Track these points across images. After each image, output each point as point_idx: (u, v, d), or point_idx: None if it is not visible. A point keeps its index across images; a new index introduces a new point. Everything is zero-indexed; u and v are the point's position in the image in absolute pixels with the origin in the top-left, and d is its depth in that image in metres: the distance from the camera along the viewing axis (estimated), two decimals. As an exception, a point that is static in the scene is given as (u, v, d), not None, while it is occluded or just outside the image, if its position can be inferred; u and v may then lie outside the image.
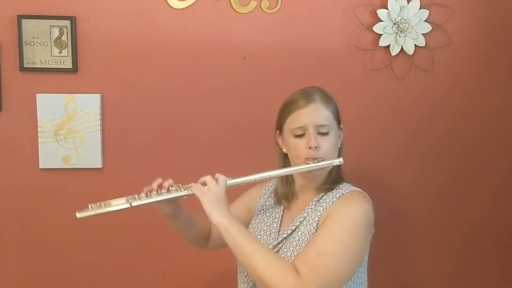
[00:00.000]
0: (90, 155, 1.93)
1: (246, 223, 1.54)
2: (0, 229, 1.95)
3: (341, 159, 1.38)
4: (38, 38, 1.87)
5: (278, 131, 1.46)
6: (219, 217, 1.27)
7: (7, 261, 1.97)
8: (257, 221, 1.52)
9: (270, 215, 1.49)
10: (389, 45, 1.94)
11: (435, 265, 2.08)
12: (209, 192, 1.31)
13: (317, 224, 1.33)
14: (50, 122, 1.91)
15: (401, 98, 1.99)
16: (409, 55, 1.94)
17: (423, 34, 1.93)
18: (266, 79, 1.95)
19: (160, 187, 1.38)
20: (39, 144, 1.91)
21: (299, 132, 1.36)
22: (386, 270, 2.05)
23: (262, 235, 1.45)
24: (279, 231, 1.43)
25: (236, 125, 1.97)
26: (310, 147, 1.33)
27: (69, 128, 1.92)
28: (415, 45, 1.93)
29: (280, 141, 1.46)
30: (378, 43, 1.93)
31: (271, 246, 1.40)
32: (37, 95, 1.89)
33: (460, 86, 2.00)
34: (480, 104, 2.01)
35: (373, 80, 1.98)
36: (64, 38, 1.88)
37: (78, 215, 1.36)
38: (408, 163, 2.03)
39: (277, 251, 1.38)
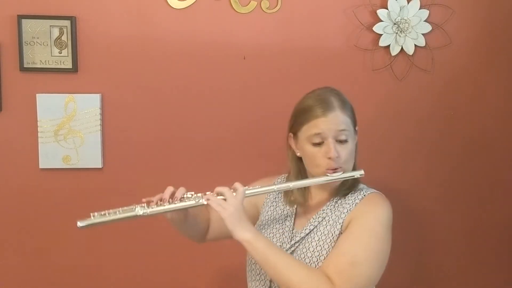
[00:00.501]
0: (90, 155, 1.93)
1: (252, 219, 1.49)
2: (0, 229, 1.95)
3: (362, 172, 1.35)
4: (38, 38, 1.87)
5: (291, 135, 1.42)
6: (243, 233, 1.25)
7: (7, 261, 1.97)
8: (266, 217, 1.49)
9: (282, 213, 1.46)
10: (389, 45, 1.94)
11: (438, 265, 2.08)
12: (229, 206, 1.26)
13: (341, 226, 1.32)
14: (50, 122, 1.91)
15: (401, 98, 1.99)
16: (409, 55, 1.94)
17: (423, 34, 1.93)
18: (266, 79, 1.95)
19: (172, 196, 1.33)
20: (39, 144, 1.91)
21: (317, 140, 1.32)
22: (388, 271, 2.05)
23: (274, 233, 1.43)
24: (293, 230, 1.41)
25: (236, 125, 1.97)
26: (329, 157, 1.30)
27: (69, 128, 1.92)
28: (415, 45, 1.93)
29: (293, 145, 1.42)
30: (378, 43, 1.93)
31: (286, 245, 1.38)
32: (37, 95, 1.89)
33: (460, 86, 2.00)
34: (480, 104, 2.01)
35: (373, 80, 1.98)
36: (64, 38, 1.88)
37: (79, 224, 1.29)
38: (408, 163, 2.03)
39: (293, 251, 1.36)
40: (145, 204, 1.31)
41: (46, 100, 1.90)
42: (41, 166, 1.93)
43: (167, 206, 1.31)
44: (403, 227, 2.06)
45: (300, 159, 1.41)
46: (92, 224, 1.28)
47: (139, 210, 1.29)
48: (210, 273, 2.04)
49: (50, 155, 1.92)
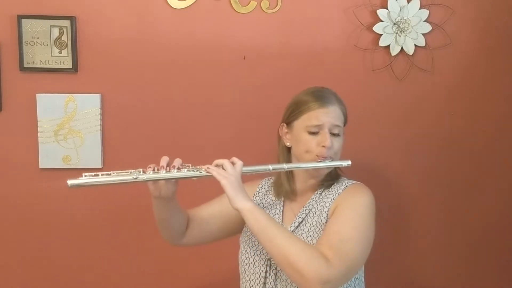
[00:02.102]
0: (90, 155, 1.93)
1: (239, 221, 1.50)
2: (0, 229, 1.95)
3: (349, 162, 1.42)
4: (38, 38, 1.87)
5: (285, 125, 1.49)
6: (243, 202, 1.28)
7: (7, 261, 1.97)
8: None
9: (270, 212, 1.51)
10: (389, 45, 1.93)
11: (438, 265, 2.08)
12: (229, 175, 1.31)
13: (327, 214, 1.39)
14: (50, 122, 1.91)
15: (401, 98, 1.99)
16: (409, 55, 1.94)
17: (423, 34, 1.93)
18: (266, 79, 1.95)
19: (169, 165, 1.34)
20: (39, 144, 1.91)
21: (315, 129, 1.40)
22: (385, 270, 2.05)
23: None
24: (281, 225, 1.45)
25: (236, 125, 1.97)
26: (323, 146, 1.39)
27: (69, 128, 1.92)
28: (415, 45, 1.93)
29: (284, 135, 1.49)
30: (378, 43, 1.93)
31: None
32: (37, 95, 1.89)
33: (460, 86, 2.00)
34: (480, 104, 2.01)
35: (373, 80, 1.98)
36: (64, 38, 1.88)
37: (69, 182, 1.25)
38: (408, 163, 2.03)
39: None
40: (141, 169, 1.30)
41: (46, 100, 1.90)
42: (41, 166, 1.92)
43: (164, 174, 1.29)
44: (402, 226, 2.06)
45: (289, 150, 1.49)
46: (82, 184, 1.24)
47: (134, 174, 1.27)
48: (202, 277, 2.04)
49: (50, 155, 1.92)
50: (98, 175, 1.25)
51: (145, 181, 1.29)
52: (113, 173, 1.27)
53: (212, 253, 1.92)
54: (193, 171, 1.31)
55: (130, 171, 1.27)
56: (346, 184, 1.45)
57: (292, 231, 1.42)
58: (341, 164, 1.42)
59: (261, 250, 1.45)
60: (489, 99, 2.01)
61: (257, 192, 1.59)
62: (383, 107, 1.99)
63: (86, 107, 1.91)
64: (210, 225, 1.54)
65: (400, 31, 1.92)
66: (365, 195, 1.40)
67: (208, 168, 1.32)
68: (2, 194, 1.94)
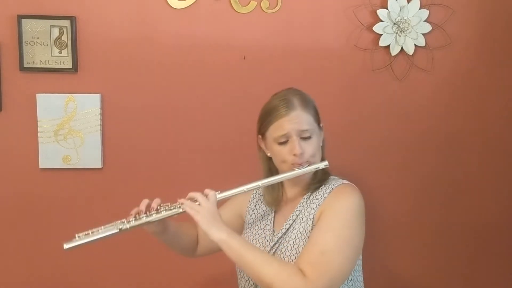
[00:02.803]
0: (90, 155, 1.93)
1: (239, 229, 1.55)
2: (0, 229, 1.95)
3: (326, 162, 1.40)
4: (38, 38, 1.87)
5: (260, 136, 1.48)
6: (217, 233, 1.28)
7: (7, 261, 1.97)
8: (249, 225, 1.53)
9: (263, 219, 1.51)
10: (389, 45, 1.93)
11: (437, 266, 2.08)
12: (202, 209, 1.31)
13: (312, 221, 1.37)
14: (50, 122, 1.91)
15: (401, 98, 1.99)
16: (409, 55, 1.94)
17: (423, 34, 1.93)
18: (266, 79, 1.95)
19: (148, 208, 1.37)
20: (39, 144, 1.91)
21: (283, 139, 1.38)
22: (380, 270, 2.05)
23: (257, 239, 1.46)
24: (273, 233, 1.45)
25: (236, 125, 1.97)
26: (294, 154, 1.36)
27: (69, 128, 1.92)
28: (415, 45, 1.93)
29: (263, 146, 1.48)
30: (378, 43, 1.93)
31: (267, 248, 1.42)
32: (37, 95, 1.89)
33: (460, 86, 2.00)
34: (481, 104, 2.01)
35: (373, 80, 1.98)
36: (64, 38, 1.88)
37: (65, 246, 1.34)
38: (408, 162, 2.03)
39: (274, 252, 1.40)
40: (125, 219, 1.35)
41: (46, 100, 1.90)
42: (41, 166, 1.92)
43: (145, 219, 1.34)
44: (402, 227, 2.06)
45: (270, 159, 1.47)
46: (78, 245, 1.34)
47: (119, 225, 1.33)
48: (200, 279, 2.04)
49: (50, 155, 1.92)
50: (89, 233, 1.34)
51: (129, 230, 1.34)
52: (100, 228, 1.35)
53: (211, 256, 1.91)
54: (171, 209, 1.35)
55: (114, 223, 1.34)
56: (332, 187, 1.41)
57: (280, 237, 1.41)
58: (318, 167, 1.40)
59: None
60: (489, 99, 2.01)
61: (252, 199, 1.58)
62: (383, 107, 1.99)
63: (86, 107, 1.91)
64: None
65: (400, 31, 1.92)
66: (349, 197, 1.36)
67: (181, 204, 1.33)
68: (2, 194, 1.94)
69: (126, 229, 1.33)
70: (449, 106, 2.01)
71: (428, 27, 1.93)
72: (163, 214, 1.35)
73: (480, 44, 1.98)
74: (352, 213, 1.33)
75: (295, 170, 1.38)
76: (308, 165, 1.38)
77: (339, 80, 1.95)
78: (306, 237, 1.35)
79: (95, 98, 1.91)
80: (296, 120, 1.37)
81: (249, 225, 1.53)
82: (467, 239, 2.07)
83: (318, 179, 1.44)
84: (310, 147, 1.38)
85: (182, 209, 1.33)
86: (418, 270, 2.09)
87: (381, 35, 1.93)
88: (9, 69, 1.88)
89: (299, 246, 1.35)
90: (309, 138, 1.38)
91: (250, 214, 1.55)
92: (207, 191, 1.35)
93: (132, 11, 1.90)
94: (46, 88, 1.90)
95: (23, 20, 1.85)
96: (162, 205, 1.37)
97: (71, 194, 1.95)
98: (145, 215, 1.35)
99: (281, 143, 1.38)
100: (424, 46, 1.94)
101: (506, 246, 2.08)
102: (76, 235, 1.34)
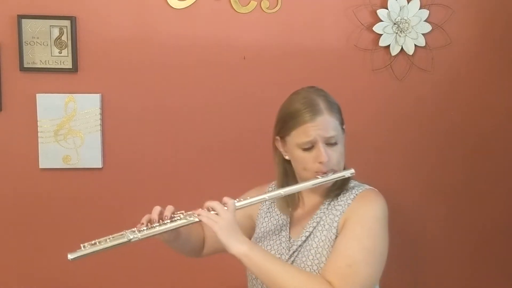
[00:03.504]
0: (90, 155, 1.93)
1: (248, 231, 1.48)
2: (0, 229, 1.95)
3: (352, 170, 1.33)
4: (38, 38, 1.87)
5: (278, 138, 1.38)
6: (238, 246, 1.21)
7: (7, 261, 1.97)
8: (262, 229, 1.45)
9: (277, 223, 1.43)
10: (389, 45, 1.94)
11: (440, 267, 2.08)
12: (221, 219, 1.23)
13: (336, 229, 1.30)
14: (50, 122, 1.91)
15: (401, 98, 1.99)
16: (409, 55, 1.94)
17: (423, 34, 1.93)
18: (266, 79, 1.95)
19: (161, 216, 1.28)
20: (39, 144, 1.91)
21: (307, 145, 1.29)
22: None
23: (272, 246, 1.40)
24: (289, 239, 1.38)
25: (236, 125, 1.97)
26: (320, 162, 1.28)
27: (69, 128, 1.92)
28: (415, 45, 1.93)
29: (281, 148, 1.38)
30: (378, 43, 1.93)
31: (285, 256, 1.35)
32: (37, 95, 1.89)
33: (460, 86, 2.00)
34: (481, 104, 2.01)
35: (373, 80, 1.97)
36: (64, 38, 1.88)
37: (69, 256, 1.24)
38: (408, 162, 2.03)
39: (293, 260, 1.34)
40: (135, 228, 1.27)
41: (46, 100, 1.90)
42: (41, 166, 1.92)
43: (158, 228, 1.26)
44: (403, 227, 2.06)
45: (287, 161, 1.39)
46: (83, 255, 1.24)
47: (129, 235, 1.24)
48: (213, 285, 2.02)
49: (50, 155, 1.92)
50: (95, 243, 1.25)
51: (140, 240, 1.25)
52: (109, 238, 1.26)
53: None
54: (186, 218, 1.27)
55: (124, 232, 1.25)
56: (356, 192, 1.34)
57: (300, 245, 1.34)
58: (343, 176, 1.32)
59: None
60: (489, 98, 2.01)
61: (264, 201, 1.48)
62: (383, 107, 1.99)
63: (86, 107, 1.91)
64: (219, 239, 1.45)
65: (400, 31, 1.92)
66: (375, 205, 1.30)
67: (199, 215, 1.25)
68: (2, 194, 1.94)
69: (137, 239, 1.24)
70: (449, 106, 2.01)
71: (428, 27, 1.93)
72: (178, 223, 1.26)
73: (480, 44, 1.98)
74: (378, 221, 1.27)
75: (318, 178, 1.30)
76: (333, 173, 1.30)
77: (339, 80, 1.95)
78: (330, 245, 1.29)
79: (95, 98, 1.91)
80: (322, 126, 1.28)
81: (262, 230, 1.45)
82: (467, 239, 2.07)
83: (339, 185, 1.36)
84: (336, 154, 1.30)
85: (199, 219, 1.25)
86: (424, 273, 2.09)
87: (381, 35, 1.93)
88: (9, 69, 1.88)
89: (322, 255, 1.29)
90: (334, 144, 1.30)
91: (263, 217, 1.47)
92: (225, 199, 1.28)
93: (132, 11, 1.90)
94: (46, 88, 1.90)
95: (23, 20, 1.85)
96: (176, 213, 1.29)
97: (71, 194, 1.95)
98: (157, 224, 1.27)
99: (305, 149, 1.29)
100: (424, 46, 1.94)
101: (507, 246, 2.08)
102: (82, 245, 1.25)
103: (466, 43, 1.97)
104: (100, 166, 1.95)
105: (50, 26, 1.87)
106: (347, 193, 1.35)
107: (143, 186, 1.97)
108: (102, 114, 1.93)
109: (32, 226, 1.96)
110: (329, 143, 1.29)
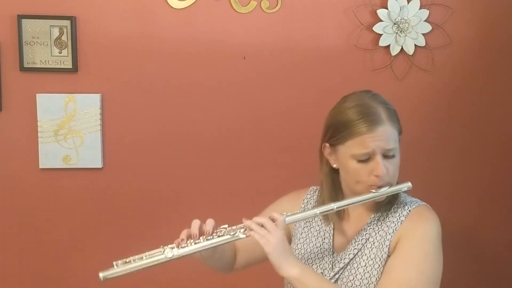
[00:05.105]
0: (90, 155, 1.93)
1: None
2: (0, 229, 1.95)
3: (409, 184, 1.25)
4: (38, 38, 1.87)
5: (327, 145, 1.28)
6: (290, 269, 1.14)
7: (7, 261, 1.97)
8: (301, 241, 1.36)
9: (318, 235, 1.34)
10: (389, 45, 1.93)
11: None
12: (272, 238, 1.14)
13: (388, 248, 1.23)
14: (50, 122, 1.91)
15: (401, 98, 1.98)
16: (409, 55, 1.94)
17: (423, 34, 1.93)
18: (266, 79, 1.95)
19: (201, 231, 1.19)
20: (39, 144, 1.91)
21: (364, 157, 1.20)
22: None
23: (314, 259, 1.32)
24: (333, 253, 1.30)
25: (236, 125, 1.97)
26: (376, 175, 1.20)
27: (69, 128, 1.92)
28: (415, 45, 1.93)
29: (330, 157, 1.29)
30: (378, 43, 1.93)
31: (329, 273, 1.27)
32: (37, 95, 1.89)
33: (460, 86, 2.00)
34: (481, 104, 2.01)
35: (373, 80, 1.97)
36: (64, 38, 1.88)
37: (101, 275, 1.14)
38: (407, 163, 2.02)
39: (338, 277, 1.26)
40: (174, 244, 1.17)
41: (46, 100, 1.90)
42: (41, 166, 1.92)
43: (200, 244, 1.16)
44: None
45: (334, 170, 1.30)
46: (116, 274, 1.14)
47: (169, 253, 1.14)
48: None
49: (50, 155, 1.92)
50: (130, 261, 1.15)
51: (180, 258, 1.15)
52: (145, 255, 1.16)
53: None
54: (230, 234, 1.17)
55: (162, 248, 1.15)
56: (409, 209, 1.25)
57: (347, 263, 1.25)
58: (400, 190, 1.24)
59: None
60: (489, 99, 2.01)
61: (302, 209, 1.40)
62: (383, 107, 1.99)
63: (86, 107, 1.91)
64: (256, 250, 1.31)
65: (400, 31, 1.92)
66: (431, 224, 1.22)
67: (250, 230, 1.16)
68: (2, 194, 1.94)
69: (177, 256, 1.14)
70: (449, 106, 2.01)
71: (428, 27, 1.93)
72: (222, 239, 1.17)
73: (480, 44, 1.98)
74: (434, 244, 1.20)
75: (373, 192, 1.21)
76: (389, 187, 1.22)
77: (339, 80, 1.95)
78: (381, 265, 1.21)
79: (95, 98, 1.91)
80: (382, 137, 1.19)
81: (301, 241, 1.36)
82: (467, 239, 2.07)
83: (390, 199, 1.27)
84: (392, 167, 1.22)
85: (248, 235, 1.16)
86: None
87: (381, 35, 1.92)
88: (9, 69, 1.88)
89: (372, 275, 1.21)
90: (392, 157, 1.22)
91: (302, 226, 1.38)
92: (275, 215, 1.18)
93: (132, 11, 1.90)
94: (46, 88, 1.90)
95: (23, 20, 1.85)
96: (218, 228, 1.20)
97: (71, 194, 1.95)
98: (199, 240, 1.17)
99: (360, 161, 1.20)
100: (424, 46, 1.94)
101: (507, 246, 2.09)
102: (114, 263, 1.16)
103: (466, 43, 1.97)
104: (100, 166, 1.94)
105: (50, 26, 1.87)
106: (399, 209, 1.27)
107: (143, 186, 1.97)
108: (102, 114, 1.93)
109: (32, 226, 1.96)
110: (388, 155, 1.21)
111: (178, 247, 1.16)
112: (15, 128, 1.91)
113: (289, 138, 1.97)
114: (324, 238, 1.33)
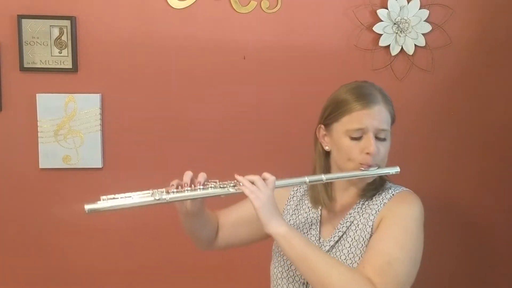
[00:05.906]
0: (90, 155, 1.93)
1: None
2: (0, 229, 1.95)
3: (397, 169, 1.29)
4: (38, 38, 1.87)
5: (322, 126, 1.33)
6: (278, 227, 1.16)
7: (7, 261, 1.97)
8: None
9: (306, 221, 1.37)
10: (389, 45, 1.94)
11: (441, 267, 2.09)
12: (262, 195, 1.16)
13: (371, 228, 1.26)
14: (50, 122, 1.91)
15: (401, 98, 1.98)
16: (409, 55, 1.94)
17: (423, 34, 1.93)
18: (266, 79, 1.95)
19: (193, 182, 1.21)
20: (39, 144, 1.91)
21: (357, 134, 1.24)
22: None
23: None
24: (319, 239, 1.33)
25: (236, 125, 1.97)
26: (367, 153, 1.23)
27: (69, 128, 1.92)
28: (415, 45, 1.93)
29: (322, 138, 1.33)
30: (378, 43, 1.93)
31: None
32: (37, 95, 1.89)
33: (460, 86, 2.00)
34: (481, 104, 2.01)
35: (373, 80, 1.93)
36: (64, 38, 1.88)
37: (86, 207, 1.13)
38: (407, 163, 2.02)
39: None
40: (164, 189, 1.18)
41: (46, 100, 1.90)
42: (41, 166, 1.92)
43: (190, 193, 1.17)
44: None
45: (326, 154, 1.34)
46: (101, 208, 1.13)
47: (156, 195, 1.15)
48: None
49: (50, 155, 1.92)
50: (117, 198, 1.14)
51: (168, 202, 1.17)
52: (133, 194, 1.16)
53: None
54: (221, 187, 1.19)
55: (152, 191, 1.16)
56: (393, 193, 1.30)
57: (332, 245, 1.29)
58: (389, 172, 1.28)
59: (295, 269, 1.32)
60: (489, 98, 2.01)
61: (292, 196, 1.44)
62: (383, 107, 1.99)
63: (86, 107, 1.91)
64: (239, 230, 1.42)
65: (400, 31, 1.92)
66: (413, 205, 1.26)
67: (240, 185, 1.18)
68: (2, 194, 1.94)
69: (165, 201, 1.14)
70: (449, 106, 2.01)
71: (428, 27, 1.93)
72: (211, 191, 1.18)
73: (480, 44, 1.98)
74: (415, 221, 1.23)
75: (363, 170, 1.24)
76: (378, 168, 1.26)
77: (339, 80, 1.93)
78: (364, 245, 1.24)
79: (95, 98, 1.91)
80: (377, 116, 1.24)
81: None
82: (467, 239, 2.07)
83: (376, 185, 1.31)
84: (383, 149, 1.26)
85: (238, 189, 1.17)
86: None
87: (381, 35, 1.93)
88: (9, 69, 1.88)
89: (355, 254, 1.25)
90: (384, 140, 1.26)
91: (290, 214, 1.41)
92: (266, 175, 1.20)
93: (132, 11, 1.90)
94: (46, 88, 1.90)
95: (23, 20, 1.85)
96: (209, 181, 1.21)
97: (71, 194, 1.95)
98: (189, 188, 1.18)
99: (353, 138, 1.24)
100: (424, 46, 1.94)
101: (506, 246, 2.09)
102: (101, 197, 1.15)
103: (466, 43, 1.97)
104: (100, 166, 1.95)
105: (50, 26, 1.87)
106: (383, 193, 1.30)
107: (143, 186, 1.96)
108: (102, 114, 1.93)
109: (32, 226, 1.96)
110: (379, 137, 1.26)
111: (167, 192, 1.17)
112: (15, 128, 1.92)
113: (289, 138, 1.97)
114: (312, 224, 1.36)
